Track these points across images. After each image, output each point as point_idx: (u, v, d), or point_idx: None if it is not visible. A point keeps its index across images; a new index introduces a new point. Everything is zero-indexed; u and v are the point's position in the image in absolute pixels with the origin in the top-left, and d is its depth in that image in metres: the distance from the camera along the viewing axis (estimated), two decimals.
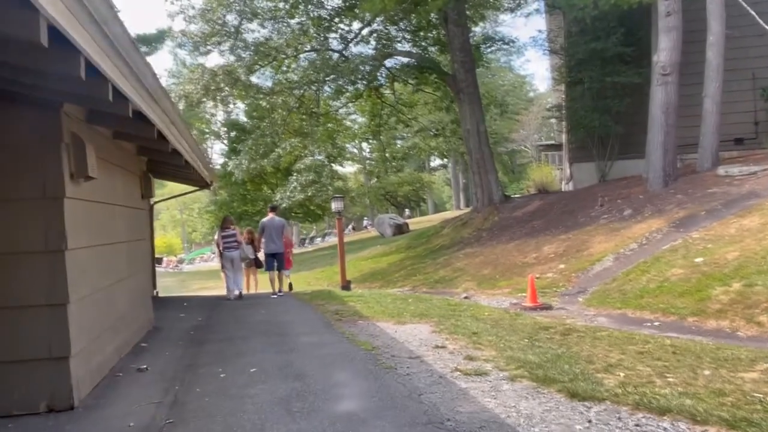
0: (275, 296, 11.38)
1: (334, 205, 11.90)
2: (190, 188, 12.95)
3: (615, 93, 18.71)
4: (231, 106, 32.79)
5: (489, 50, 23.07)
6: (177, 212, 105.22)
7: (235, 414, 4.07)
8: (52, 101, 4.10)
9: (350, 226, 53.43)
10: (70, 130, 4.32)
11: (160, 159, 7.57)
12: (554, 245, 13.48)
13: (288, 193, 19.31)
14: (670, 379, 4.50)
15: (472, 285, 12.86)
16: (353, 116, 30.45)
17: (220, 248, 11.65)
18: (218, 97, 20.48)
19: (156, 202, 12.46)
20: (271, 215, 11.90)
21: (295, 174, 19.95)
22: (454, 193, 58.99)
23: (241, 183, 35.66)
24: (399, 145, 29.75)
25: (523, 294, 10.77)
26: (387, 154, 25.59)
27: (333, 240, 46.16)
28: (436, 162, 72.84)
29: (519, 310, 9.11)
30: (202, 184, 11.82)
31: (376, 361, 5.49)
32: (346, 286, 11.86)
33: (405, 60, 21.79)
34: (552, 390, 4.33)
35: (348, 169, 68.99)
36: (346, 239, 43.24)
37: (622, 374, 4.66)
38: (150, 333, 7.28)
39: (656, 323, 7.57)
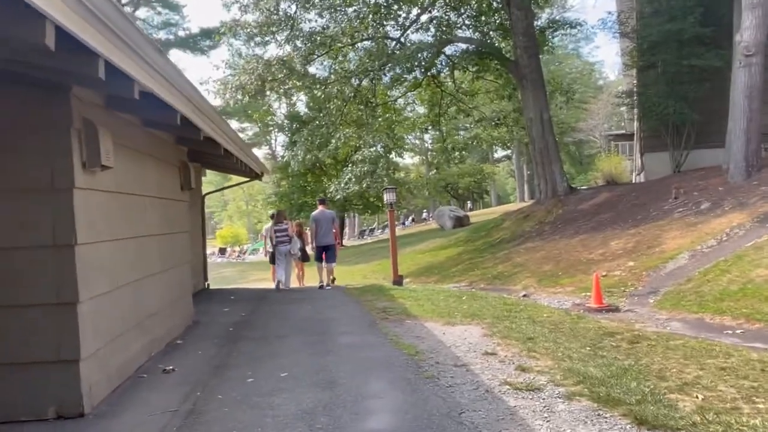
0: (324, 288, 11.35)
1: (387, 197, 11.43)
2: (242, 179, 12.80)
3: (692, 77, 17.39)
4: (293, 98, 32.99)
5: (554, 35, 21.92)
6: (243, 203, 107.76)
7: (251, 429, 3.67)
8: (61, 83, 3.78)
9: (410, 218, 52.93)
10: (81, 115, 4.00)
11: (199, 149, 7.31)
12: (623, 240, 12.56)
13: (343, 185, 18.94)
14: (761, 405, 3.79)
15: (532, 282, 12.13)
16: (412, 106, 29.98)
17: (273, 242, 11.60)
18: (278, 89, 20.41)
19: (206, 194, 12.33)
20: (321, 208, 11.76)
21: (350, 165, 19.56)
22: (518, 185, 57.46)
23: (301, 174, 35.78)
24: (461, 136, 28.84)
25: (588, 293, 10.00)
26: (447, 145, 24.78)
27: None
28: (499, 153, 71.39)
29: (582, 312, 8.38)
30: (251, 175, 11.59)
31: (417, 368, 4.99)
32: (398, 281, 11.40)
33: (465, 47, 21.01)
34: (616, 414, 3.71)
35: (409, 160, 68.55)
36: (405, 231, 42.83)
37: (700, 396, 3.98)
38: (188, 329, 7.03)
39: (739, 331, 6.71)
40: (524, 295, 10.94)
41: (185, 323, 7.06)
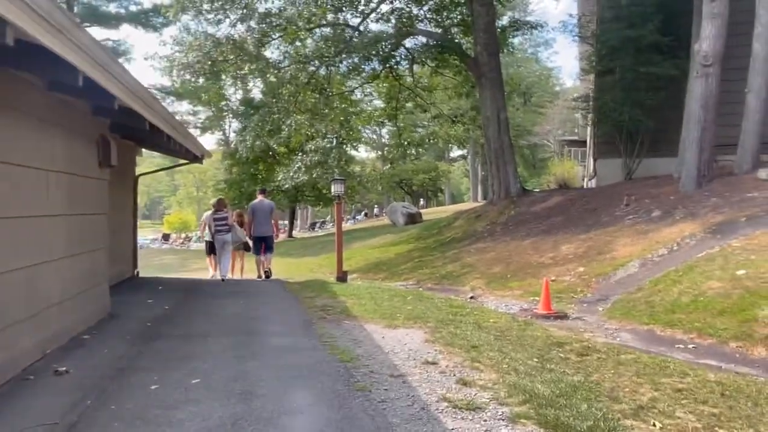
0: (262, 280, 11.14)
1: (334, 188, 10.85)
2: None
3: (648, 85, 17.37)
4: (249, 83, 31.88)
5: (515, 35, 21.71)
6: (194, 189, 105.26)
7: None
8: None
9: (363, 213, 52.36)
10: None
11: (123, 122, 6.57)
12: (573, 245, 12.33)
13: (292, 174, 18.20)
14: None
15: (480, 283, 11.76)
16: (370, 98, 29.45)
17: (212, 230, 11.00)
18: (231, 72, 19.51)
19: (140, 175, 11.51)
20: (260, 197, 11.62)
21: (300, 154, 18.81)
22: (472, 185, 57.65)
23: (252, 162, 34.75)
24: (418, 133, 28.34)
25: (536, 298, 9.67)
26: (403, 141, 24.29)
27: (346, 226, 45.28)
28: (455, 152, 71.57)
29: (530, 318, 8.01)
30: (189, 157, 10.83)
31: (349, 378, 4.46)
32: (342, 277, 10.84)
33: (425, 40, 20.57)
34: None
35: (365, 155, 68.02)
36: (356, 226, 42.29)
37: (658, 424, 3.58)
38: (101, 323, 6.32)
39: (691, 346, 6.43)
40: (472, 297, 10.55)
41: (98, 316, 6.34)
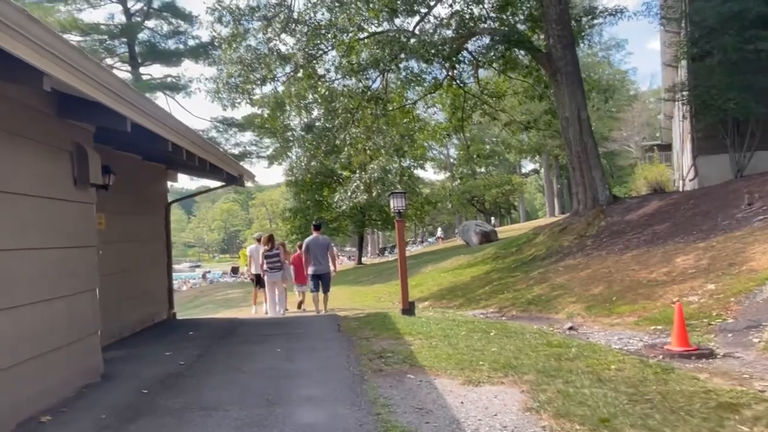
0: (317, 314, 10.29)
1: (393, 204, 9.06)
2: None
3: (757, 66, 14.80)
4: (314, 112, 30.90)
5: (592, 24, 19.45)
6: (267, 221, 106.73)
7: None
8: None
9: (437, 236, 50.21)
10: None
11: (137, 141, 5.11)
12: (692, 256, 10.01)
13: (349, 194, 16.58)
14: None
15: (578, 309, 9.64)
16: (433, 110, 27.69)
17: (263, 267, 10.75)
18: (295, 102, 18.19)
19: (173, 202, 10.17)
20: (315, 234, 10.84)
21: (358, 172, 17.19)
22: (548, 200, 54.65)
23: (316, 189, 33.61)
24: (488, 144, 26.21)
25: (657, 326, 7.54)
26: (472, 153, 22.28)
27: (417, 249, 43.39)
28: (527, 167, 68.53)
29: (663, 359, 5.91)
30: (226, 178, 9.39)
31: None
32: (408, 309, 9.00)
33: (489, 39, 18.69)
34: None
35: (434, 176, 66.30)
36: (427, 249, 40.19)
37: None
38: (81, 391, 4.76)
39: None
40: (571, 328, 8.48)
41: (81, 380, 4.80)
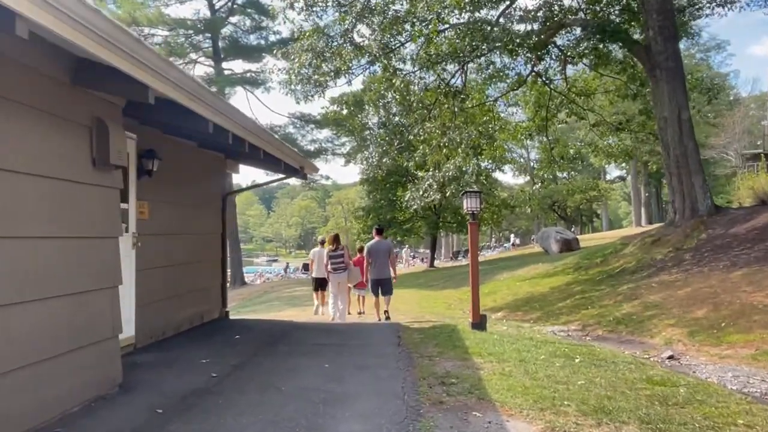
0: (378, 322, 9.81)
1: (467, 204, 8.07)
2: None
3: None
4: (393, 109, 30.26)
5: (698, 15, 17.63)
6: (342, 220, 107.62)
7: None
8: None
9: (511, 242, 48.43)
10: None
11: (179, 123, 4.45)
12: None
13: (421, 193, 15.61)
14: None
15: (678, 334, 8.33)
16: (513, 110, 26.28)
17: (328, 268, 10.44)
18: (372, 99, 17.49)
19: (230, 193, 9.60)
20: (377, 238, 10.52)
21: (431, 170, 16.21)
22: (634, 209, 51.63)
23: (390, 188, 32.88)
24: (575, 146, 24.51)
25: None
26: (555, 155, 20.83)
27: (492, 254, 41.89)
28: (613, 173, 65.13)
29: None
30: (280, 168, 8.69)
31: None
32: (478, 323, 7.99)
33: (579, 33, 17.30)
34: None
35: (512, 180, 64.30)
36: (504, 255, 38.61)
37: None
38: (91, 405, 4.10)
39: None
40: (671, 357, 7.24)
41: (92, 392, 4.14)
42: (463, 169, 15.82)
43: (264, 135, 6.77)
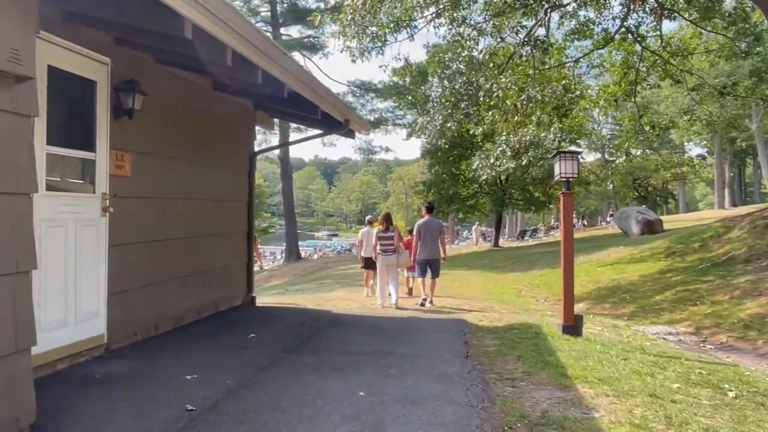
0: (424, 306, 9.25)
1: (560, 168, 6.03)
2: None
3: None
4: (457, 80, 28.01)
5: None
6: (402, 196, 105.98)
7: None
8: None
9: (579, 222, 45.30)
10: None
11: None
12: None
13: (492, 161, 13.39)
14: None
15: None
16: (593, 74, 23.32)
17: (377, 250, 9.59)
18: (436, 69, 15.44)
19: (259, 152, 7.91)
20: (427, 217, 9.79)
21: (504, 135, 13.92)
22: (717, 190, 47.37)
23: (452, 161, 30.64)
24: (665, 115, 21.51)
25: None
26: (644, 124, 18.13)
27: (559, 235, 38.94)
28: (693, 151, 60.28)
29: None
30: (332, 125, 6.94)
31: None
32: (572, 326, 6.02)
33: None
34: None
35: (584, 159, 60.65)
36: (577, 236, 35.73)
37: None
38: None
39: None
40: None
41: None
42: (542, 134, 13.52)
43: (304, 76, 5.02)
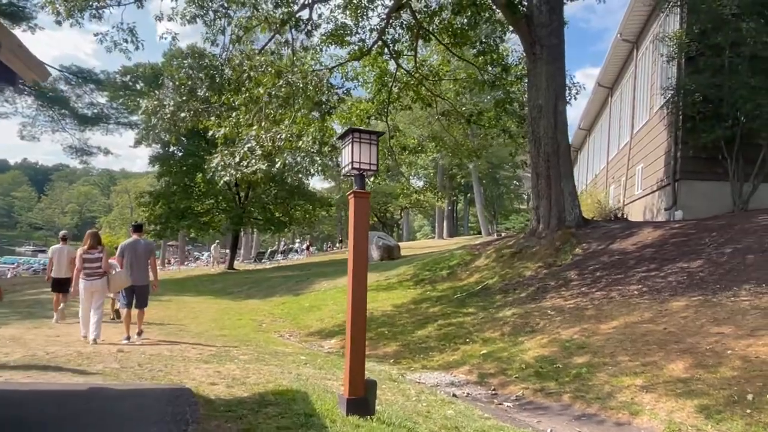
0: (127, 342, 7.85)
1: (352, 155, 3.98)
2: None
3: None
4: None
5: None
6: (128, 210, 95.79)
7: None
8: None
9: (306, 246, 44.20)
10: None
11: None
12: None
13: (238, 159, 10.78)
14: None
15: (676, 409, 5.03)
16: (349, 87, 22.44)
17: (80, 274, 8.21)
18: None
19: None
20: (134, 236, 8.72)
21: (255, 131, 11.45)
22: (438, 220, 51.13)
23: (186, 171, 27.10)
24: (411, 137, 21.22)
25: None
26: (394, 145, 17.47)
27: (298, 258, 37.63)
28: (417, 184, 64.75)
29: None
30: None
31: None
32: (360, 401, 3.84)
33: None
34: None
35: (320, 184, 60.96)
36: (312, 259, 34.56)
37: None
38: None
39: None
40: None
41: None
42: (302, 133, 11.40)
43: None
